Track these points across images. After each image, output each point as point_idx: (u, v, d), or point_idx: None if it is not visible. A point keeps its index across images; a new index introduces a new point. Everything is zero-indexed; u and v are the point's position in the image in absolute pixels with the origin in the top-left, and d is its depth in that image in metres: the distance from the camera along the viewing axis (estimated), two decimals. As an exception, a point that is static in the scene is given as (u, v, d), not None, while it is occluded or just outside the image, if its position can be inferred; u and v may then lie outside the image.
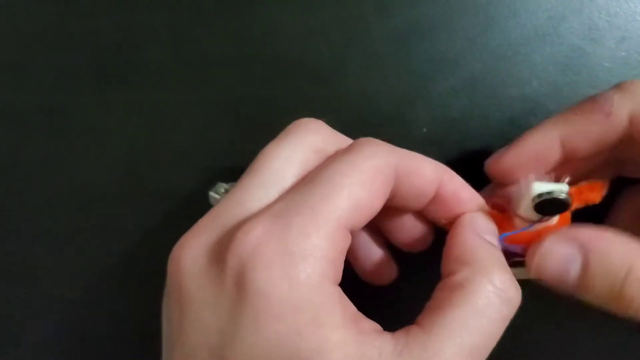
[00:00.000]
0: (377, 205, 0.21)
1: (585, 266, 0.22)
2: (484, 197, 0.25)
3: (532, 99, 0.29)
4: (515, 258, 0.25)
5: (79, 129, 0.30)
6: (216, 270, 0.19)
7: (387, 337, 0.20)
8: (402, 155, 0.23)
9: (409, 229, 0.26)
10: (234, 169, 0.30)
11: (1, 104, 0.30)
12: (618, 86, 0.25)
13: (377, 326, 0.21)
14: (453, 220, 0.24)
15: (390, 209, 0.24)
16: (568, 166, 0.26)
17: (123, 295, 0.30)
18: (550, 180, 0.23)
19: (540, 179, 0.23)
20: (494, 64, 0.29)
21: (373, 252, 0.27)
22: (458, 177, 0.24)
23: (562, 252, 0.23)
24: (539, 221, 0.24)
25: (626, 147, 0.25)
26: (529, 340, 0.30)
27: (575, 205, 0.24)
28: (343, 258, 0.21)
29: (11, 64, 0.30)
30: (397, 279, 0.27)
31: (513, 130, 0.29)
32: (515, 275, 0.22)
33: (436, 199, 0.24)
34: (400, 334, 0.20)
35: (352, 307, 0.20)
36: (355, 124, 0.30)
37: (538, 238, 0.24)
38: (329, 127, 0.24)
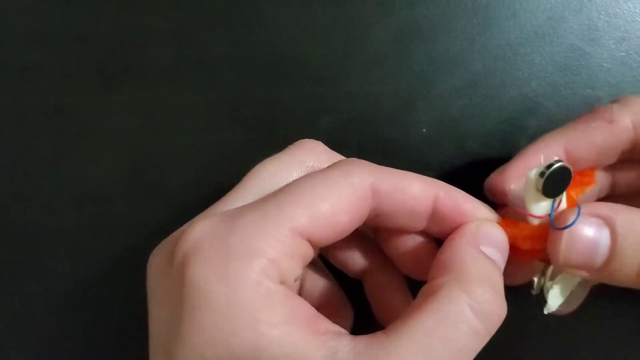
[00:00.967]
0: (343, 220, 0.21)
1: (613, 238, 0.21)
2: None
3: (532, 99, 0.29)
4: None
5: (81, 129, 0.30)
6: (168, 266, 0.20)
7: (345, 338, 0.19)
8: (383, 174, 0.22)
9: (417, 254, 0.24)
10: (234, 169, 0.30)
11: (4, 104, 0.30)
12: (615, 100, 0.25)
13: (339, 328, 0.20)
14: None
15: (393, 232, 0.24)
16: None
17: (124, 294, 0.30)
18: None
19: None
20: (494, 64, 0.29)
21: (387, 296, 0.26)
22: (458, 191, 0.23)
23: (588, 232, 0.21)
24: (554, 211, 0.22)
25: (631, 155, 0.25)
26: (528, 341, 0.30)
27: (575, 191, 0.24)
28: (297, 263, 0.20)
29: (13, 64, 0.30)
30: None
31: (512, 130, 0.29)
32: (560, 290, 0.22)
33: (435, 216, 0.23)
34: (362, 337, 0.19)
35: (306, 308, 0.20)
36: (355, 124, 0.30)
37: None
38: (326, 148, 0.24)
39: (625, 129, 0.24)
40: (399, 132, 0.30)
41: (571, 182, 0.23)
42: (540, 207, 0.22)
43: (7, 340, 0.31)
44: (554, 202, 0.22)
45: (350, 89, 0.30)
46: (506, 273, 0.24)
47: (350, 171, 0.21)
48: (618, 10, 0.29)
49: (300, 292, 0.26)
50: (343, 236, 0.22)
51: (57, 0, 0.30)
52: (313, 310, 0.20)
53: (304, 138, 0.29)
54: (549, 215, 0.22)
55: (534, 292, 0.24)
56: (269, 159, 0.23)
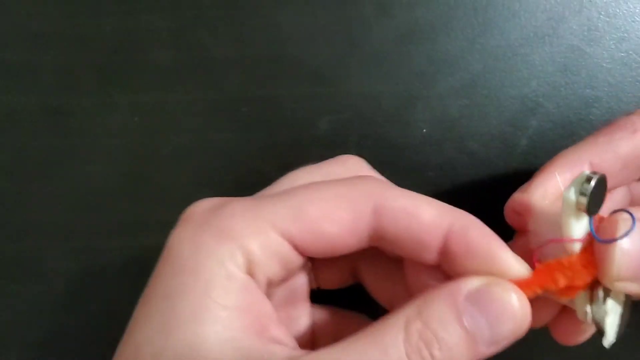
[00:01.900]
0: (332, 229, 0.20)
1: None
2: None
3: (531, 99, 0.29)
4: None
5: (82, 129, 0.30)
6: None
7: (286, 349, 0.18)
8: (391, 192, 0.20)
9: (426, 288, 0.20)
10: (235, 169, 0.30)
11: (4, 104, 0.30)
12: (634, 112, 0.24)
13: (290, 341, 0.20)
14: None
15: (413, 263, 0.22)
16: None
17: (124, 294, 0.30)
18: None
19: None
20: (494, 65, 0.29)
21: None
22: (480, 227, 0.20)
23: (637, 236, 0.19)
24: (592, 227, 0.20)
25: None
26: (528, 341, 0.30)
27: None
28: (273, 261, 0.20)
29: (14, 64, 0.30)
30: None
31: (512, 130, 0.29)
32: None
33: (446, 253, 0.20)
34: (304, 351, 0.18)
35: (265, 309, 0.20)
36: (355, 124, 0.30)
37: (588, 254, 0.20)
38: (365, 165, 0.24)
39: None
40: (399, 132, 0.30)
41: None
42: (580, 228, 0.20)
43: (7, 340, 0.31)
44: (591, 218, 0.20)
45: (350, 89, 0.30)
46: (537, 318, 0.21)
47: (353, 184, 0.21)
48: (618, 11, 0.29)
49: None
50: (338, 251, 0.21)
51: (57, 0, 0.30)
52: (272, 314, 0.20)
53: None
54: (589, 234, 0.20)
55: (589, 325, 0.21)
56: (305, 167, 0.23)
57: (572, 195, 0.19)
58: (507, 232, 0.25)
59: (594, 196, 0.19)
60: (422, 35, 0.29)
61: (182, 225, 0.21)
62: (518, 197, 0.23)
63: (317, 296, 0.26)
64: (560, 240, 0.20)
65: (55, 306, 0.31)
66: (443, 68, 0.29)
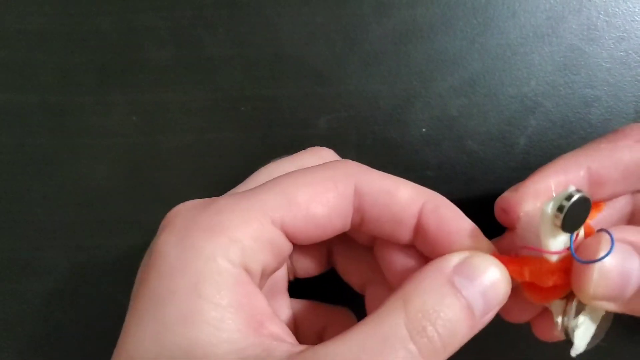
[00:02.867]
0: (321, 211, 0.20)
1: None
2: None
3: (531, 99, 0.29)
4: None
5: (80, 128, 0.30)
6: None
7: (285, 345, 0.18)
8: (370, 174, 0.21)
9: (405, 272, 0.22)
10: (234, 168, 0.30)
11: (3, 102, 0.30)
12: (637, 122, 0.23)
13: (287, 336, 0.19)
14: None
15: (386, 244, 0.23)
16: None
17: (124, 293, 0.30)
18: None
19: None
20: (493, 64, 0.29)
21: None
22: (449, 206, 0.21)
23: (619, 262, 0.19)
24: (571, 245, 0.20)
25: None
26: (528, 340, 0.30)
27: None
28: (267, 251, 0.20)
29: (13, 62, 0.30)
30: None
31: (511, 129, 0.29)
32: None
33: (420, 230, 0.21)
34: (303, 346, 0.18)
35: (259, 303, 0.19)
36: (355, 123, 0.30)
37: (569, 264, 0.20)
38: (335, 155, 0.24)
39: None
40: (398, 132, 0.30)
41: None
42: (557, 242, 0.20)
43: (7, 340, 0.31)
44: (572, 235, 0.20)
45: (350, 89, 0.30)
46: (512, 312, 0.23)
47: (334, 167, 0.21)
48: (617, 10, 0.29)
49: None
50: (325, 234, 0.21)
51: (57, 0, 0.30)
52: (267, 309, 0.20)
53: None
54: (568, 249, 0.20)
55: (558, 333, 0.22)
56: (276, 160, 0.23)
57: (549, 210, 0.19)
58: (504, 230, 0.25)
59: (571, 214, 0.19)
60: (421, 34, 0.29)
61: (166, 228, 0.20)
62: (507, 195, 0.23)
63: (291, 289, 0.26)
64: (536, 249, 0.20)
65: (53, 305, 0.31)
66: (442, 67, 0.29)
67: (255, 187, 0.21)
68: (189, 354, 0.17)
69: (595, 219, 0.23)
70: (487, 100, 0.29)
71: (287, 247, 0.21)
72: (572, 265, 0.20)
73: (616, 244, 0.19)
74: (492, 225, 0.24)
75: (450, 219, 0.21)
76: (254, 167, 0.30)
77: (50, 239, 0.30)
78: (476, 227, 0.21)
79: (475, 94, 0.29)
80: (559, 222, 0.19)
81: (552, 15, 0.29)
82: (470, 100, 0.29)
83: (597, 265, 0.19)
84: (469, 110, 0.29)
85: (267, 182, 0.21)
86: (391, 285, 0.23)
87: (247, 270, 0.19)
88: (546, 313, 0.23)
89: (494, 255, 0.20)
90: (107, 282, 0.31)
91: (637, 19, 0.29)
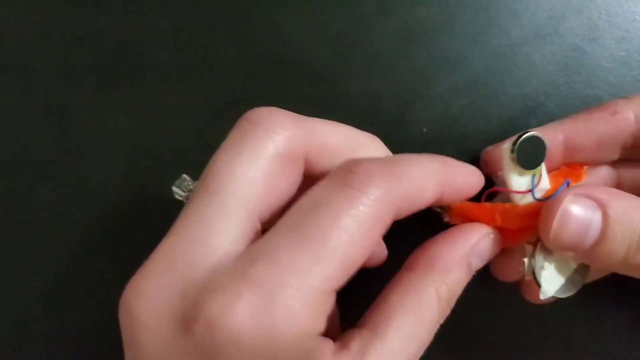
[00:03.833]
0: (337, 141, 0.22)
1: (605, 222, 0.21)
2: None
3: (532, 99, 0.29)
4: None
5: (82, 129, 0.30)
6: (181, 339, 0.17)
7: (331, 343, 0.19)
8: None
9: None
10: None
11: (4, 104, 0.30)
12: (623, 96, 0.25)
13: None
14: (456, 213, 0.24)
15: None
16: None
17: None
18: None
19: None
20: (494, 64, 0.29)
21: None
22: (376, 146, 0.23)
23: (580, 212, 0.21)
24: (535, 188, 0.23)
25: (635, 153, 0.25)
26: (528, 340, 0.30)
27: (559, 182, 0.24)
28: (328, 318, 0.19)
29: (14, 63, 0.30)
30: (387, 263, 0.27)
31: (513, 129, 0.29)
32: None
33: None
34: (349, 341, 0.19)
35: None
36: (356, 123, 0.30)
37: (537, 212, 0.23)
38: (290, 116, 0.22)
39: (628, 122, 0.24)
40: (399, 132, 0.30)
41: (560, 174, 0.24)
42: (522, 183, 0.23)
43: (7, 340, 0.31)
44: (533, 177, 0.23)
45: (351, 89, 0.30)
46: (497, 266, 0.26)
47: (375, 194, 0.19)
48: (619, 10, 0.29)
49: None
50: (336, 162, 0.21)
51: (57, 0, 0.30)
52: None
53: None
54: (530, 190, 0.23)
55: (526, 276, 0.24)
56: (229, 149, 0.21)
57: (506, 146, 0.23)
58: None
59: (524, 149, 0.23)
60: (423, 34, 0.29)
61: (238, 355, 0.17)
62: (490, 149, 0.27)
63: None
64: (504, 190, 0.24)
65: (54, 306, 0.31)
66: (444, 67, 0.29)
67: (306, 247, 0.18)
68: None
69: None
70: (489, 100, 0.29)
71: (301, 171, 0.22)
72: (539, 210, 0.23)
73: (582, 197, 0.21)
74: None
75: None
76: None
77: (50, 239, 0.30)
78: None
79: (476, 94, 0.29)
80: (515, 157, 0.23)
81: (553, 15, 0.29)
82: (471, 100, 0.29)
83: (560, 210, 0.21)
84: (471, 110, 0.29)
85: (315, 237, 0.18)
86: None
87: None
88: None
89: (467, 203, 0.24)
90: (108, 283, 0.30)
91: (639, 18, 0.29)
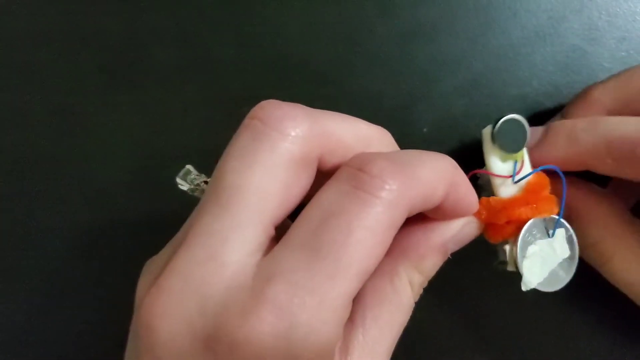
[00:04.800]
0: (350, 137, 0.21)
1: (545, 129, 0.25)
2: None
3: (533, 99, 0.29)
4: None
5: (83, 128, 0.30)
6: (202, 356, 0.17)
7: None
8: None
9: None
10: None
11: (8, 103, 0.30)
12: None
13: None
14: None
15: None
16: None
17: (125, 294, 0.30)
18: None
19: None
20: (495, 64, 0.29)
21: None
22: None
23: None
24: (516, 174, 0.24)
25: None
26: (528, 341, 0.30)
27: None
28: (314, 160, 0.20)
29: (18, 63, 0.30)
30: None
31: (514, 129, 0.30)
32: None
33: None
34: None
35: None
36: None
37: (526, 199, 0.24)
38: (302, 113, 0.20)
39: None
40: (400, 132, 0.29)
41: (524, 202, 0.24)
42: (504, 170, 0.24)
43: (8, 340, 0.31)
44: (515, 162, 0.24)
45: (352, 89, 0.30)
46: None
47: (392, 198, 0.19)
48: (619, 10, 0.29)
49: None
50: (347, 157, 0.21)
51: (58, 0, 0.30)
52: None
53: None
54: (511, 176, 0.24)
55: (509, 267, 0.24)
56: (239, 154, 0.20)
57: (487, 129, 0.24)
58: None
59: (503, 132, 0.23)
60: (424, 35, 0.29)
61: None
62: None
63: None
64: (486, 172, 0.24)
65: (57, 304, 0.31)
66: (444, 67, 0.29)
67: (324, 265, 0.18)
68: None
69: None
70: (489, 100, 0.29)
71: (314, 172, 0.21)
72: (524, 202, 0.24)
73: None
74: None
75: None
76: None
77: (53, 239, 0.30)
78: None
79: (477, 94, 0.29)
80: (495, 140, 0.23)
81: (553, 15, 0.29)
82: (472, 101, 0.29)
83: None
84: (471, 110, 0.30)
85: (331, 253, 0.18)
86: None
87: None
88: None
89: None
90: (108, 284, 0.31)
91: (639, 18, 0.29)
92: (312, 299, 0.17)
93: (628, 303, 0.26)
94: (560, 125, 0.24)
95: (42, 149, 0.30)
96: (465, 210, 0.22)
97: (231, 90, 0.30)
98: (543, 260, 0.24)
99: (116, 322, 0.31)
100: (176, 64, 0.30)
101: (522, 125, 0.23)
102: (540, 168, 0.24)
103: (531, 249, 0.24)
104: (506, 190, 0.24)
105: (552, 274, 0.24)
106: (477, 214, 0.23)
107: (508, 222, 0.24)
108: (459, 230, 0.23)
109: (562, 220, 0.24)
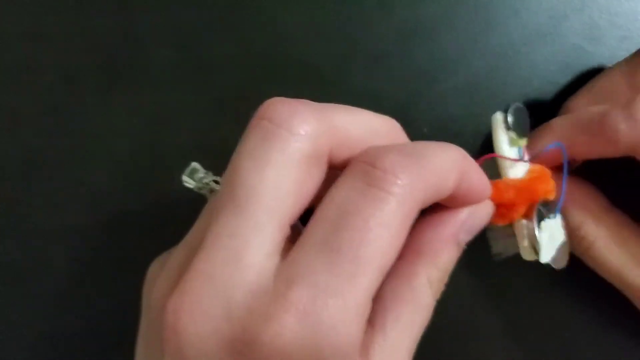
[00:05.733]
0: (359, 133, 0.21)
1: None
2: None
3: (533, 98, 0.29)
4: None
5: (82, 128, 0.30)
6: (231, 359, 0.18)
7: None
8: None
9: None
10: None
11: (5, 104, 0.30)
12: (626, 111, 0.24)
13: None
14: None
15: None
16: None
17: (125, 294, 0.30)
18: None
19: None
20: (496, 64, 0.29)
21: None
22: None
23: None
24: (526, 156, 0.26)
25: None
26: (529, 340, 0.30)
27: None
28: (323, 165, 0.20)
29: (15, 63, 0.30)
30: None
31: (514, 129, 0.29)
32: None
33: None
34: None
35: None
36: (357, 123, 0.30)
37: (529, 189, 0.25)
38: (310, 109, 0.20)
39: (628, 149, 0.24)
40: (400, 132, 0.30)
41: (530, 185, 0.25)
42: (509, 152, 0.26)
43: (8, 340, 0.31)
44: (520, 148, 0.26)
45: (351, 88, 0.30)
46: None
47: (403, 191, 0.19)
48: (620, 9, 0.29)
49: None
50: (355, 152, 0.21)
51: (58, 1, 0.30)
52: None
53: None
54: (519, 159, 0.26)
55: (524, 241, 0.25)
56: (251, 154, 0.20)
57: (498, 115, 0.26)
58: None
59: (516, 118, 0.26)
60: (424, 34, 0.29)
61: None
62: None
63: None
64: (494, 155, 0.26)
65: (56, 307, 0.31)
66: (444, 67, 0.29)
67: (345, 268, 0.18)
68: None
69: None
70: (490, 100, 0.29)
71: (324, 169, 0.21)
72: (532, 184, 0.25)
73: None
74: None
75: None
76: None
77: (52, 240, 0.30)
78: None
79: (477, 93, 0.29)
80: (508, 122, 0.26)
81: (554, 14, 0.29)
82: (472, 100, 0.29)
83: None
84: (471, 109, 0.29)
85: (350, 254, 0.18)
86: None
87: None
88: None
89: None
90: (109, 284, 0.31)
91: (640, 18, 0.29)
92: (334, 301, 0.17)
93: (629, 303, 0.26)
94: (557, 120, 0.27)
95: (38, 150, 0.30)
96: (480, 196, 0.23)
97: (230, 90, 0.30)
98: (551, 236, 0.25)
99: (116, 323, 0.31)
100: (174, 64, 0.30)
101: (527, 113, 0.26)
102: (548, 147, 0.25)
103: (544, 224, 0.25)
104: (514, 172, 0.25)
105: (558, 251, 0.25)
106: (494, 196, 0.24)
107: (520, 202, 0.24)
108: (466, 218, 0.22)
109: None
